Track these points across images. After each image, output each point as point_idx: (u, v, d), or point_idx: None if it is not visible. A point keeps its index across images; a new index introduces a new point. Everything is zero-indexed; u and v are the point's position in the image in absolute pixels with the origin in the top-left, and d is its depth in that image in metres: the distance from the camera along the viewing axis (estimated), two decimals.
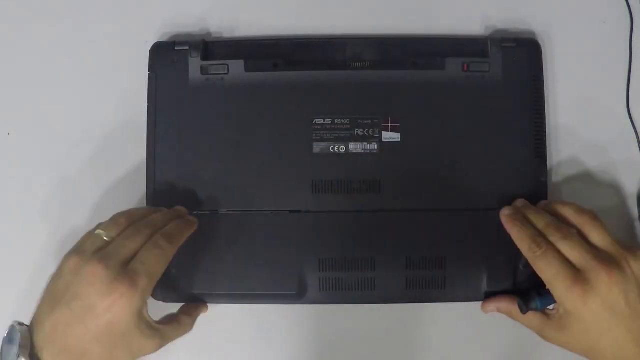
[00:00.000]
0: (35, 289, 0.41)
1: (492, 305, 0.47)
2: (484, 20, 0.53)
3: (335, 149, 0.49)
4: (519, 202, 0.47)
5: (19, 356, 0.37)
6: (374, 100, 0.49)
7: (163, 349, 0.49)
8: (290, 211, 0.48)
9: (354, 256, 0.48)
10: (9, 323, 0.39)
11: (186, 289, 0.48)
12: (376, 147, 0.49)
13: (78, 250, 0.41)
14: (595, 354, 0.42)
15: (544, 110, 0.50)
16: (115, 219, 0.43)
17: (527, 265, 0.44)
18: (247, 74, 0.49)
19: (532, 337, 0.49)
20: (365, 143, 0.49)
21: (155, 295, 0.47)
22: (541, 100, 0.50)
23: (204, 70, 0.49)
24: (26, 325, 0.39)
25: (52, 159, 0.52)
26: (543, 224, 0.44)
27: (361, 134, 0.49)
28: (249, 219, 0.48)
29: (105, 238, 0.41)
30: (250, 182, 0.48)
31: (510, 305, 0.47)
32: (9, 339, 0.39)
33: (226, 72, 0.49)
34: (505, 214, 0.46)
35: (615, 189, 0.51)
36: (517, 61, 0.50)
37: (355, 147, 0.49)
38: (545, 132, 0.49)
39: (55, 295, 0.39)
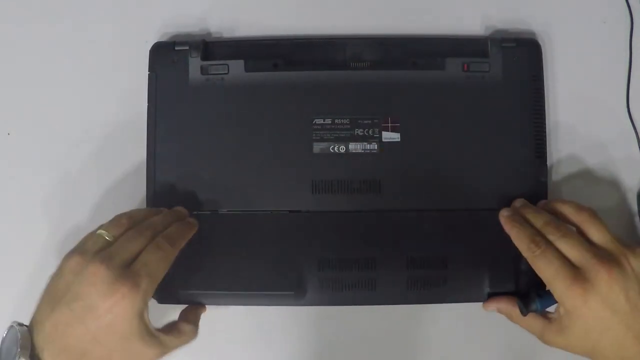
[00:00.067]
0: (35, 289, 0.40)
1: (493, 305, 0.47)
2: (484, 20, 0.53)
3: (335, 149, 0.49)
4: (518, 202, 0.47)
5: (19, 357, 0.37)
6: (374, 100, 0.49)
7: None
8: (290, 211, 0.48)
9: (354, 256, 0.48)
10: (8, 323, 0.39)
11: (184, 289, 0.48)
12: (376, 147, 0.49)
13: (80, 250, 0.41)
14: (597, 353, 0.42)
15: (544, 110, 0.50)
16: (116, 219, 0.43)
17: (529, 266, 0.44)
18: (247, 74, 0.49)
19: (532, 337, 0.49)
20: (365, 143, 0.49)
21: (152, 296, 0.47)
22: (541, 100, 0.50)
23: (204, 70, 0.49)
24: (26, 326, 0.39)
25: (52, 159, 0.52)
26: (542, 222, 0.44)
27: (361, 134, 0.49)
28: (249, 219, 0.48)
29: (107, 238, 0.41)
30: (250, 182, 0.48)
31: (510, 306, 0.47)
32: (8, 339, 0.39)
33: (226, 72, 0.49)
34: (503, 215, 0.46)
35: (615, 188, 0.51)
36: (517, 61, 0.50)
37: (355, 147, 0.49)
38: (545, 132, 0.49)
39: (55, 295, 0.39)
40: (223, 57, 0.50)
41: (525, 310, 0.45)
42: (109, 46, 0.53)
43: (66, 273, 0.39)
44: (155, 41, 0.51)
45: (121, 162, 0.51)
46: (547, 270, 0.41)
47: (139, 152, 0.50)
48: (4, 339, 0.39)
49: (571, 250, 0.42)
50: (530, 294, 0.45)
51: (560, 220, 0.44)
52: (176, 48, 0.50)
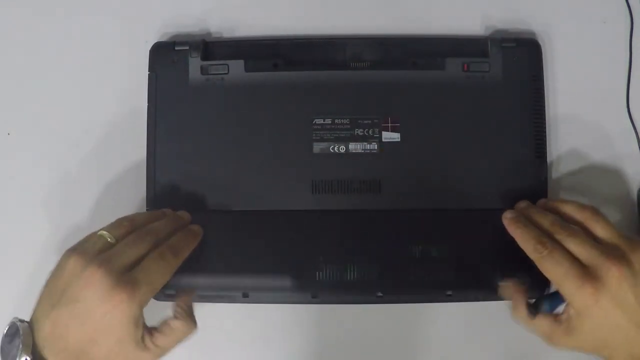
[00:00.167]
0: (36, 289, 0.40)
1: (509, 291, 0.45)
2: (484, 20, 0.53)
3: (335, 149, 0.49)
4: (521, 204, 0.47)
5: (21, 353, 0.37)
6: (374, 100, 0.49)
7: None
8: (290, 211, 0.48)
9: (354, 256, 0.48)
10: (9, 320, 0.39)
11: (179, 285, 0.47)
12: (376, 147, 0.49)
13: (80, 250, 0.40)
14: (606, 350, 0.41)
15: (544, 110, 0.50)
16: (118, 222, 0.43)
17: (531, 311, 0.43)
18: (247, 74, 0.49)
19: (532, 337, 0.48)
20: (365, 143, 0.49)
21: None
22: (541, 100, 0.50)
23: (204, 70, 0.49)
24: (27, 322, 0.39)
25: (52, 159, 0.52)
26: (548, 222, 0.43)
27: (361, 134, 0.49)
28: (249, 219, 0.48)
29: (108, 239, 0.41)
30: (250, 182, 0.48)
31: (521, 303, 0.45)
32: (9, 335, 0.39)
33: (226, 72, 0.49)
34: (507, 217, 0.45)
35: (615, 188, 0.51)
36: (517, 61, 0.50)
37: (355, 147, 0.49)
38: (545, 131, 0.49)
39: (54, 293, 0.39)
40: (223, 57, 0.50)
41: (534, 311, 0.44)
42: (109, 46, 0.53)
43: (65, 273, 0.39)
44: (155, 41, 0.51)
45: (121, 162, 0.51)
46: (555, 271, 0.41)
47: (139, 152, 0.50)
48: (5, 335, 0.39)
49: (579, 249, 0.41)
50: (539, 298, 0.45)
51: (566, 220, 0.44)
52: (176, 48, 0.50)
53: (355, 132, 0.49)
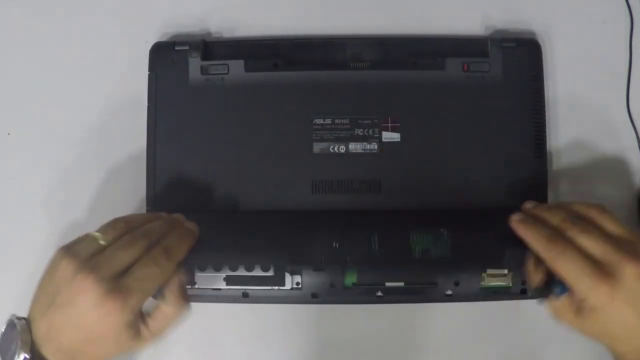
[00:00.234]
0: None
1: (523, 229, 0.43)
2: (484, 20, 0.53)
3: (335, 149, 0.49)
4: (528, 204, 0.46)
5: (19, 350, 0.37)
6: (374, 100, 0.49)
7: (162, 349, 0.50)
8: (290, 211, 0.48)
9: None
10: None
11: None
12: (376, 147, 0.49)
13: (71, 252, 0.40)
14: (610, 341, 0.41)
15: (544, 110, 0.50)
16: (113, 223, 0.42)
17: (543, 292, 0.42)
18: (247, 74, 0.49)
19: (532, 337, 0.49)
20: (365, 143, 0.49)
21: None
22: (541, 100, 0.50)
23: (204, 70, 0.49)
24: (24, 319, 0.39)
25: (52, 159, 0.52)
26: (558, 219, 0.42)
27: (361, 134, 0.49)
28: (249, 219, 0.48)
29: (101, 242, 0.40)
30: (250, 182, 0.48)
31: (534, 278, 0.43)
32: (7, 332, 0.39)
33: (226, 72, 0.49)
34: (515, 220, 0.44)
35: (615, 188, 0.51)
36: (517, 61, 0.50)
37: (355, 147, 0.49)
38: (545, 132, 0.49)
39: (47, 294, 0.39)
40: (223, 57, 0.50)
41: (547, 292, 0.42)
42: (109, 46, 0.53)
43: (57, 275, 0.39)
44: (155, 41, 0.51)
45: (121, 162, 0.51)
46: (569, 269, 0.39)
47: (139, 152, 0.50)
48: (3, 333, 0.39)
49: (593, 245, 0.40)
50: (552, 279, 0.42)
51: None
52: (176, 48, 0.50)
53: (355, 132, 0.49)
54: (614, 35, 0.53)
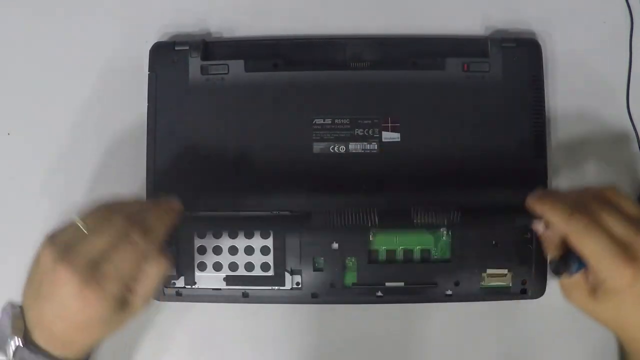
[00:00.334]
0: None
1: (541, 206, 0.41)
2: (484, 20, 0.53)
3: (335, 149, 0.49)
4: (540, 190, 0.44)
5: (11, 337, 0.38)
6: (374, 100, 0.49)
7: (161, 347, 0.50)
8: (290, 211, 0.48)
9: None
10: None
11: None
12: (376, 147, 0.49)
13: (54, 240, 0.39)
14: (618, 327, 0.40)
15: (544, 110, 0.50)
16: (95, 208, 0.41)
17: (559, 267, 0.40)
18: (247, 74, 0.49)
19: (532, 337, 0.49)
20: (365, 143, 0.49)
21: None
22: (541, 100, 0.50)
23: (204, 70, 0.49)
24: (20, 307, 0.40)
25: (52, 159, 0.52)
26: (576, 195, 0.40)
27: (361, 134, 0.49)
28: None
29: (82, 228, 0.39)
30: (250, 182, 0.48)
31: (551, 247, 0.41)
32: (3, 319, 0.39)
33: (226, 72, 0.49)
34: (534, 196, 0.42)
35: None
36: (517, 61, 0.50)
37: (355, 147, 0.49)
38: (545, 132, 0.49)
39: (34, 284, 0.39)
40: (223, 57, 0.50)
41: (563, 268, 0.40)
42: (109, 46, 0.53)
43: (40, 264, 0.39)
44: (155, 41, 0.51)
45: (121, 162, 0.51)
46: (593, 247, 0.38)
47: (139, 152, 0.50)
48: (0, 320, 0.40)
49: (616, 224, 0.38)
50: (569, 253, 0.41)
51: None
52: (176, 48, 0.50)
53: (355, 132, 0.49)
54: (614, 35, 0.53)
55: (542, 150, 0.49)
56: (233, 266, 0.48)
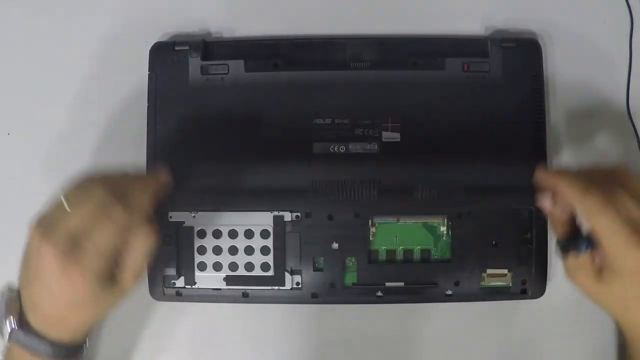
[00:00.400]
0: None
1: (551, 178, 0.41)
2: (484, 20, 0.53)
3: (335, 149, 0.49)
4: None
5: (5, 318, 0.39)
6: (374, 100, 0.49)
7: (161, 347, 0.50)
8: (290, 211, 0.48)
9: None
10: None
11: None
12: (376, 147, 0.49)
13: (40, 220, 0.39)
14: (619, 312, 0.39)
15: (544, 110, 0.50)
16: (77, 181, 0.40)
17: (568, 246, 0.39)
18: (247, 74, 0.49)
19: (532, 337, 0.49)
20: (365, 143, 0.49)
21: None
22: (541, 101, 0.50)
23: (204, 70, 0.49)
24: (17, 291, 0.40)
25: (52, 159, 0.52)
26: (587, 173, 0.39)
27: (361, 134, 0.49)
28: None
29: (66, 207, 0.38)
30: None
31: (559, 225, 0.40)
32: (1, 301, 0.40)
33: (226, 72, 0.49)
34: (543, 170, 0.41)
35: None
36: (517, 61, 0.50)
37: (355, 147, 0.49)
38: (545, 132, 0.49)
39: (25, 266, 0.40)
40: (223, 57, 0.50)
41: (572, 247, 0.39)
42: (109, 46, 0.53)
43: (29, 245, 0.39)
44: (155, 41, 0.51)
45: (121, 162, 0.51)
46: (608, 223, 0.37)
47: (139, 153, 0.50)
48: None
49: (629, 204, 0.37)
50: (577, 232, 0.40)
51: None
52: (176, 48, 0.50)
53: (355, 132, 0.49)
54: (614, 35, 0.53)
55: (541, 150, 0.49)
56: (233, 266, 0.48)
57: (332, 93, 0.49)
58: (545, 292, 0.48)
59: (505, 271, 0.48)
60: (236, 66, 0.49)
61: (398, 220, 0.48)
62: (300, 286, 0.48)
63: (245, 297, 0.49)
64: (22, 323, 0.40)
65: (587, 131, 0.52)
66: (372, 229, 0.48)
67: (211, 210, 0.48)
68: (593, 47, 0.53)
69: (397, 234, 0.48)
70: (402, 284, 0.48)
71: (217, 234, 0.48)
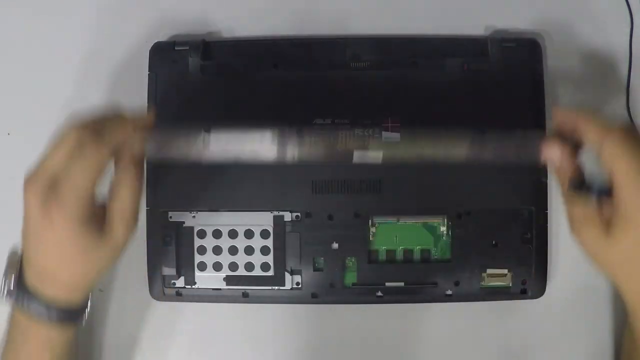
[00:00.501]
0: None
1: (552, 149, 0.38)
2: (484, 20, 0.53)
3: None
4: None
5: (5, 275, 0.40)
6: (374, 100, 0.49)
7: (161, 347, 0.50)
8: (290, 211, 0.48)
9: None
10: None
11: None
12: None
13: (27, 173, 0.39)
14: (623, 279, 0.38)
15: (544, 111, 0.50)
16: (62, 131, 0.39)
17: (581, 185, 0.37)
18: (247, 74, 0.49)
19: (532, 337, 0.49)
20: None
21: None
22: (541, 101, 0.50)
23: (204, 70, 0.49)
24: (20, 254, 0.41)
25: None
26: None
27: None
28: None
29: (46, 153, 0.38)
30: (250, 183, 0.48)
31: (565, 171, 0.38)
32: (7, 260, 0.41)
33: (226, 72, 0.49)
34: (560, 110, 0.39)
35: None
36: (517, 61, 0.50)
37: None
38: (545, 132, 0.49)
39: (24, 222, 0.40)
40: (223, 57, 0.50)
41: (585, 189, 0.37)
42: (109, 46, 0.53)
43: (24, 199, 0.39)
44: (155, 41, 0.51)
45: None
46: (630, 164, 0.34)
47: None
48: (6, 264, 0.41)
49: None
50: (585, 184, 0.37)
51: None
52: (176, 48, 0.50)
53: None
54: (614, 35, 0.53)
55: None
56: (233, 266, 0.48)
57: (332, 93, 0.49)
58: (545, 292, 0.48)
59: (505, 271, 0.48)
60: (236, 66, 0.49)
61: (398, 220, 0.49)
62: (300, 286, 0.48)
63: (245, 297, 0.49)
64: (21, 284, 0.40)
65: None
66: (372, 229, 0.48)
67: (211, 210, 0.48)
68: (593, 47, 0.53)
69: (397, 234, 0.48)
70: (402, 284, 0.48)
71: (217, 234, 0.48)
